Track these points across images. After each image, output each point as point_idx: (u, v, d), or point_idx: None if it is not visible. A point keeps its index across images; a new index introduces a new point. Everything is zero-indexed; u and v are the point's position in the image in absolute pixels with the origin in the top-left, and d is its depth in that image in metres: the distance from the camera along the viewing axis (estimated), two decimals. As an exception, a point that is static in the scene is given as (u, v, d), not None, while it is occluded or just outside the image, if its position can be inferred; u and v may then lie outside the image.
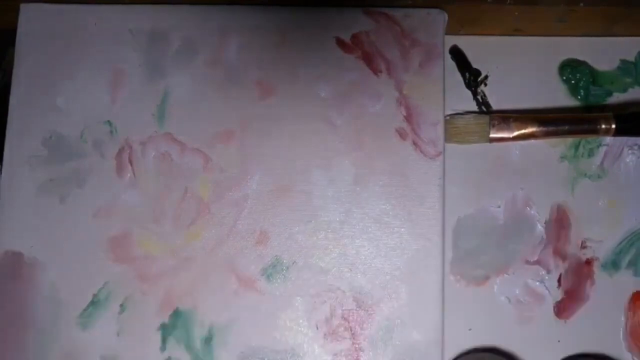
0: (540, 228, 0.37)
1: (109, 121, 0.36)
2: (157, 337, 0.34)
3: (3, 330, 0.34)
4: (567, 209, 0.37)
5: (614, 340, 0.36)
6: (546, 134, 0.37)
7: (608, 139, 0.38)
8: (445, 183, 0.35)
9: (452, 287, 0.36)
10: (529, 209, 0.37)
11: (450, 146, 0.37)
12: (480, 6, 0.36)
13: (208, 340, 0.34)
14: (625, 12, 0.36)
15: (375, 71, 0.36)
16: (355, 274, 0.34)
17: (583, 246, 0.37)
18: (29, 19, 0.37)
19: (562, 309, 0.36)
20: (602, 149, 0.38)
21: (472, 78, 0.39)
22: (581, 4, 0.35)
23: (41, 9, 0.37)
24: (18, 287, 0.34)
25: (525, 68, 0.39)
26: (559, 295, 0.36)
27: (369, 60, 0.36)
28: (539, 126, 0.37)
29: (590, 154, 0.38)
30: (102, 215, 0.35)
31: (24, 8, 0.37)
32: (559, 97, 0.39)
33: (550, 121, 0.37)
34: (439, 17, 0.37)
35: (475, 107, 0.39)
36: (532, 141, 0.37)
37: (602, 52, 0.39)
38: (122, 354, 0.34)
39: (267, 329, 0.34)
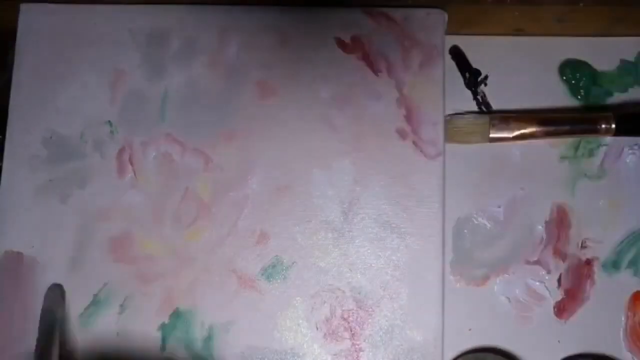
0: (540, 228, 0.37)
1: (109, 121, 0.36)
2: (157, 337, 0.34)
3: (3, 330, 0.34)
4: (567, 209, 0.37)
5: (614, 340, 0.36)
6: (546, 134, 0.37)
7: (608, 139, 0.38)
8: (445, 183, 0.35)
9: (452, 287, 0.36)
10: (529, 209, 0.37)
11: (450, 146, 0.37)
12: (480, 6, 0.36)
13: (208, 340, 0.34)
14: (625, 12, 0.36)
15: (376, 71, 0.36)
16: (355, 274, 0.34)
17: (583, 246, 0.37)
18: (29, 19, 0.37)
19: (562, 309, 0.36)
20: (602, 149, 0.38)
21: (472, 78, 0.39)
22: (581, 4, 0.35)
23: (41, 9, 0.37)
24: (18, 287, 0.34)
25: (525, 68, 0.39)
26: (559, 295, 0.36)
27: (369, 60, 0.36)
28: (539, 126, 0.37)
29: (590, 154, 0.38)
30: (102, 215, 0.35)
31: (24, 8, 0.37)
32: (559, 97, 0.39)
33: (550, 121, 0.37)
34: (439, 17, 0.37)
35: (475, 107, 0.39)
36: (532, 141, 0.37)
37: (602, 52, 0.39)
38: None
39: (267, 328, 0.34)
